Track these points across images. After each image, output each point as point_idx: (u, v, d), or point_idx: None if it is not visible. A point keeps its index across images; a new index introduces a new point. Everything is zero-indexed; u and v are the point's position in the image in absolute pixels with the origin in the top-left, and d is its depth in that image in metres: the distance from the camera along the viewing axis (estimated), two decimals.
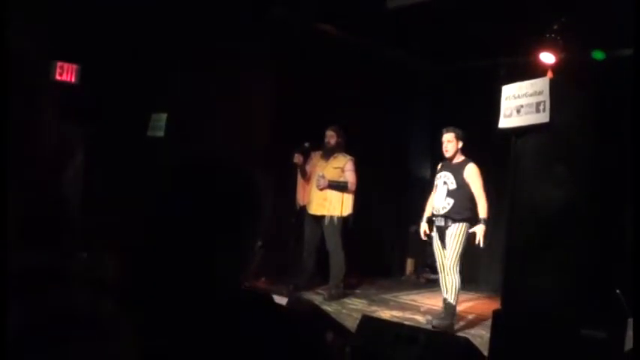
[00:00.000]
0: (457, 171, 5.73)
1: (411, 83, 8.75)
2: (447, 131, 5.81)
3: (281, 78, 6.99)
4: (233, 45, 6.37)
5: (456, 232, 5.61)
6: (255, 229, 1.30)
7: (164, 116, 6.54)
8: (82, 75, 6.00)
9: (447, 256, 5.63)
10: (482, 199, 5.64)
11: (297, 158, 6.71)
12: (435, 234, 5.82)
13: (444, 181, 5.76)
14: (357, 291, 7.29)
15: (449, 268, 5.61)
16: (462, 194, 5.65)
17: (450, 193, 5.70)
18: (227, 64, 6.34)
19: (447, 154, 5.78)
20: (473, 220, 5.67)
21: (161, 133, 6.50)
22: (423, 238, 6.06)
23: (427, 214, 6.02)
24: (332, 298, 6.59)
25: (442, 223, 5.70)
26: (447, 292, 5.66)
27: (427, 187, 7.31)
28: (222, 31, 6.29)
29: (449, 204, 5.67)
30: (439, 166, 5.99)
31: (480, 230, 5.61)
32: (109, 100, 5.82)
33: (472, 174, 5.69)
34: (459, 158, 5.79)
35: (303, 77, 7.11)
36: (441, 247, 5.74)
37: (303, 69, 7.13)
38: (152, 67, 5.98)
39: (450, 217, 5.66)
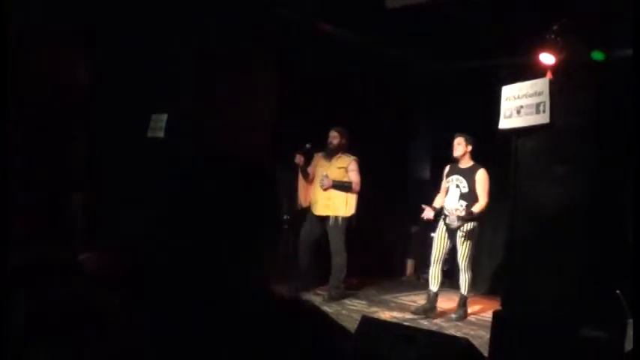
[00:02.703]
0: (469, 175, 6.22)
1: (412, 84, 8.74)
2: (458, 135, 6.31)
3: (281, 78, 6.98)
4: (234, 45, 6.36)
5: (469, 231, 6.09)
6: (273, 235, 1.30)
7: (164, 117, 6.53)
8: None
9: (462, 255, 6.14)
10: (484, 200, 6.14)
11: (299, 159, 6.69)
12: (443, 229, 6.24)
13: (457, 184, 6.25)
14: (358, 292, 7.29)
15: (463, 266, 6.15)
16: (473, 197, 6.14)
17: (462, 196, 6.19)
18: (227, 64, 6.33)
19: (456, 153, 6.26)
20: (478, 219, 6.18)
21: (161, 134, 6.49)
22: (426, 218, 6.35)
23: (437, 205, 6.37)
24: (332, 299, 6.58)
25: (455, 223, 6.10)
26: (456, 286, 6.39)
27: (427, 188, 7.37)
28: (222, 32, 6.28)
29: (462, 206, 6.14)
30: (448, 169, 6.42)
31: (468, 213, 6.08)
32: (109, 100, 5.81)
33: (483, 179, 6.18)
34: (469, 163, 6.29)
35: (304, 78, 7.09)
36: (446, 242, 6.22)
37: (304, 69, 7.12)
38: (152, 67, 5.97)
39: (463, 217, 6.11)
